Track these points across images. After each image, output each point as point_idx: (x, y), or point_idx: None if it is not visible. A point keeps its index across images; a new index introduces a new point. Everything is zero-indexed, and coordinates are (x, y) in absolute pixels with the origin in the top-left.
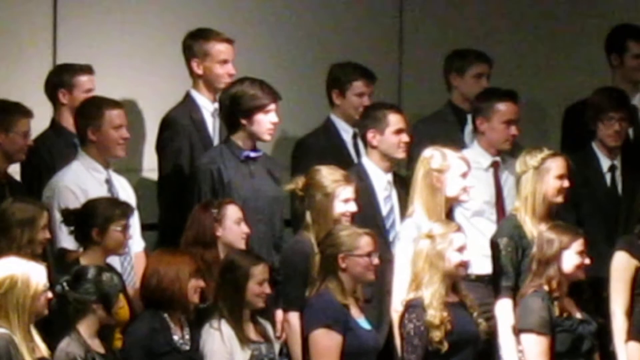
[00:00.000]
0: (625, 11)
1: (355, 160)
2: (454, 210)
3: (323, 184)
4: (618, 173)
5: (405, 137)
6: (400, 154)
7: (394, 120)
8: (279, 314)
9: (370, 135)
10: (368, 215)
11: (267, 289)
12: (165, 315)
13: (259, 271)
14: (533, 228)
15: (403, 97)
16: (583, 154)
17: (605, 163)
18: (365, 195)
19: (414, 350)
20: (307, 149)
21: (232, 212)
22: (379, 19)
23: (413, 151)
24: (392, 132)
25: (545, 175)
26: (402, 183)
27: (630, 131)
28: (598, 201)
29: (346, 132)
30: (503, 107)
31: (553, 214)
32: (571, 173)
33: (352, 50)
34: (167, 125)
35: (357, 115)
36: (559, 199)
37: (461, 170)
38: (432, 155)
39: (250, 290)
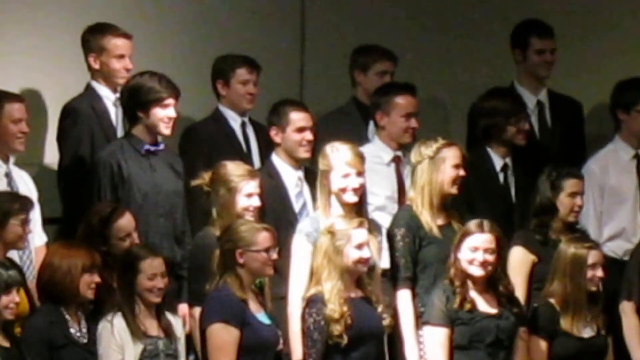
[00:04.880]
0: (528, 7)
1: (245, 148)
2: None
3: (227, 179)
4: (510, 172)
5: (308, 136)
6: (303, 154)
7: (296, 118)
8: (182, 308)
9: (273, 132)
10: (280, 212)
11: (159, 283)
12: (62, 308)
13: (148, 265)
14: (429, 218)
15: (305, 92)
16: (476, 154)
17: (498, 162)
18: (276, 192)
19: (314, 344)
20: (196, 137)
21: (118, 229)
22: (281, 12)
23: (318, 147)
24: (293, 130)
25: (440, 164)
26: (315, 178)
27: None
28: (492, 200)
29: (235, 121)
30: (401, 101)
31: (448, 206)
32: (466, 163)
33: (253, 45)
34: (68, 113)
35: (244, 103)
36: (454, 190)
37: (344, 171)
38: (323, 155)
39: (140, 284)
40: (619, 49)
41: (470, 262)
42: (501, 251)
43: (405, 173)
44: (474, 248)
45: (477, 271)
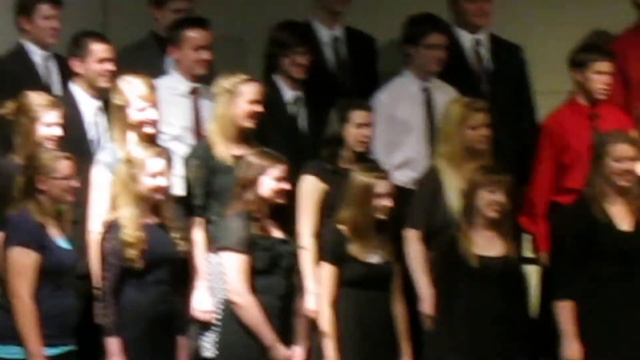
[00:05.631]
0: None
1: (48, 82)
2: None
3: (29, 108)
4: (301, 103)
5: (109, 66)
6: (103, 83)
7: (97, 49)
8: None
9: (74, 63)
10: (76, 140)
11: None
12: None
13: None
14: (224, 149)
15: (108, 26)
16: (268, 85)
17: (288, 94)
18: (74, 121)
19: (110, 268)
20: None
21: None
22: None
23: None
24: (94, 61)
25: (237, 98)
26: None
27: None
28: (283, 130)
29: (38, 56)
30: (192, 34)
31: (246, 138)
32: (264, 98)
33: None
34: None
35: (48, 38)
36: (250, 123)
37: (140, 105)
38: (118, 90)
39: None
40: None
41: (278, 191)
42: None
43: (202, 105)
44: (279, 178)
45: (282, 199)
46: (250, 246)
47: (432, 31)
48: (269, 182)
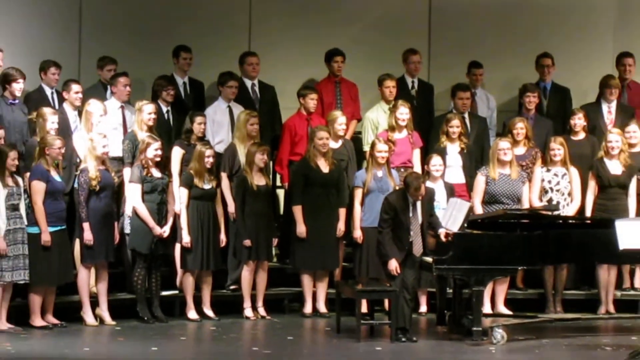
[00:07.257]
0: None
1: (53, 104)
2: None
3: (43, 115)
4: (170, 114)
5: (80, 96)
6: (77, 103)
7: (74, 88)
8: None
9: (63, 93)
10: (64, 130)
11: None
12: None
13: None
14: (141, 136)
15: (81, 75)
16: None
17: (164, 108)
18: (64, 121)
19: (84, 189)
20: None
21: None
22: None
23: None
24: (73, 93)
25: (143, 112)
26: None
27: None
28: (162, 126)
29: (48, 92)
30: (122, 80)
31: (151, 129)
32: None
33: None
34: None
35: (53, 83)
36: (151, 123)
37: (101, 112)
38: (90, 104)
39: None
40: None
41: (157, 155)
42: None
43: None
44: (157, 149)
45: (160, 159)
46: (141, 181)
47: (229, 79)
48: (152, 151)
